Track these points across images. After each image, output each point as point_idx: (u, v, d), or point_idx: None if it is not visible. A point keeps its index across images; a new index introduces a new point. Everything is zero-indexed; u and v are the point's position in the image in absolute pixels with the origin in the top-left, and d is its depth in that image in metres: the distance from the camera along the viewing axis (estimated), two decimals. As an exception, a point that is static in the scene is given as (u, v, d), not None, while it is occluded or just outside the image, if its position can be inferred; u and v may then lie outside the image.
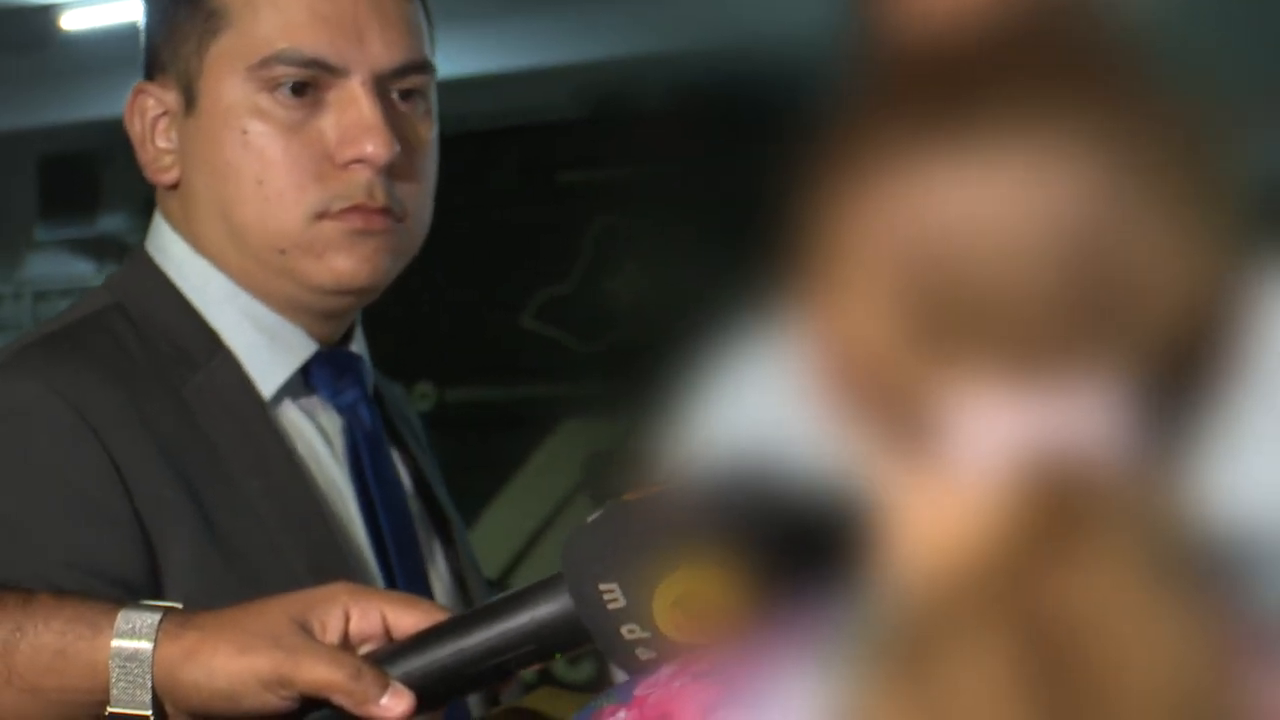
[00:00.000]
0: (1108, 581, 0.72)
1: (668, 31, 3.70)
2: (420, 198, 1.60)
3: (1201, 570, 0.74)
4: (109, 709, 1.28)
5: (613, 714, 0.90)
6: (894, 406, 0.77)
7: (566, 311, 4.09)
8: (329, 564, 1.51)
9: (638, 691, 0.90)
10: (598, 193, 4.09)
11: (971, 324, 0.75)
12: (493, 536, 3.93)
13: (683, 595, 1.17)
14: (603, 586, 1.19)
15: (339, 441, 1.61)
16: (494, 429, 4.12)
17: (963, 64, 0.78)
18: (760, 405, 1.07)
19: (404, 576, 1.58)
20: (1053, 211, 0.75)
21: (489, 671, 1.26)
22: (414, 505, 1.66)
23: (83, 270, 5.35)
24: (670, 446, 1.21)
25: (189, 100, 1.59)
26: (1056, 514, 0.74)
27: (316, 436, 1.60)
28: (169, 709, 1.28)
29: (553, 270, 4.10)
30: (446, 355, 4.15)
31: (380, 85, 1.56)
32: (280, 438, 1.56)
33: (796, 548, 0.95)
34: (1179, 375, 0.76)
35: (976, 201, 0.75)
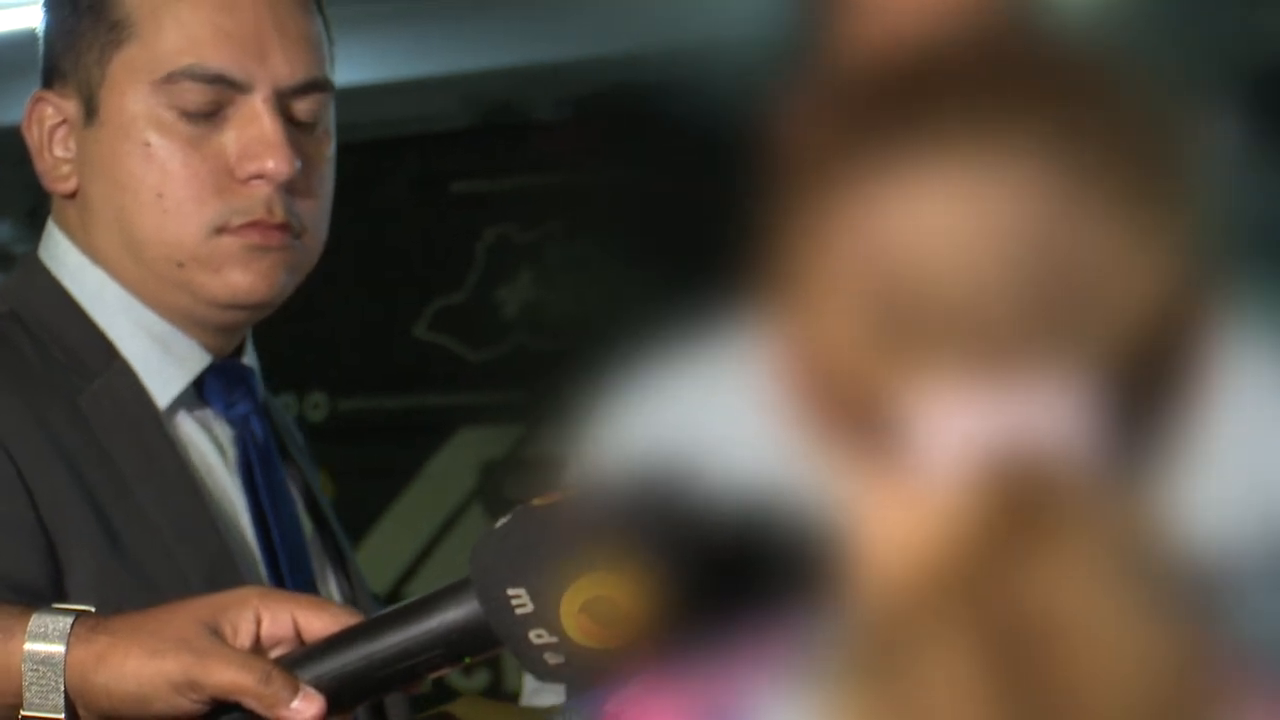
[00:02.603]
0: (1072, 583, 0.73)
1: (559, 41, 3.71)
2: (318, 214, 1.61)
3: (1165, 575, 0.75)
4: (22, 712, 1.29)
5: None
6: (858, 411, 0.78)
7: (460, 321, 4.08)
8: (223, 573, 1.52)
9: (608, 708, 0.91)
10: (490, 202, 4.09)
11: (932, 329, 0.76)
12: (387, 545, 3.92)
13: (590, 600, 1.19)
14: (510, 591, 1.20)
15: (232, 453, 1.61)
16: (387, 438, 4.10)
17: (918, 74, 0.79)
18: (670, 411, 1.09)
19: (294, 586, 1.59)
20: (1010, 217, 0.76)
21: (398, 675, 1.27)
22: (304, 518, 1.67)
23: (-33, 279, 5.29)
24: (574, 453, 1.23)
25: (89, 110, 1.59)
26: (1020, 515, 0.75)
27: (210, 447, 1.60)
28: (81, 712, 1.29)
29: (446, 280, 4.10)
30: (339, 365, 4.14)
31: (281, 102, 1.57)
32: (174, 448, 1.57)
33: (723, 558, 0.96)
34: (1141, 380, 0.77)
35: (935, 209, 0.76)
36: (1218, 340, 0.79)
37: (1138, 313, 0.77)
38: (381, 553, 3.85)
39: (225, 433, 1.62)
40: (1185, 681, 0.73)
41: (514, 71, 3.94)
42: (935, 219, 0.76)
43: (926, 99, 0.78)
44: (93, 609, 1.31)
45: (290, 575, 1.59)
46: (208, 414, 1.61)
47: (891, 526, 0.78)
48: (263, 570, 1.57)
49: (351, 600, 1.68)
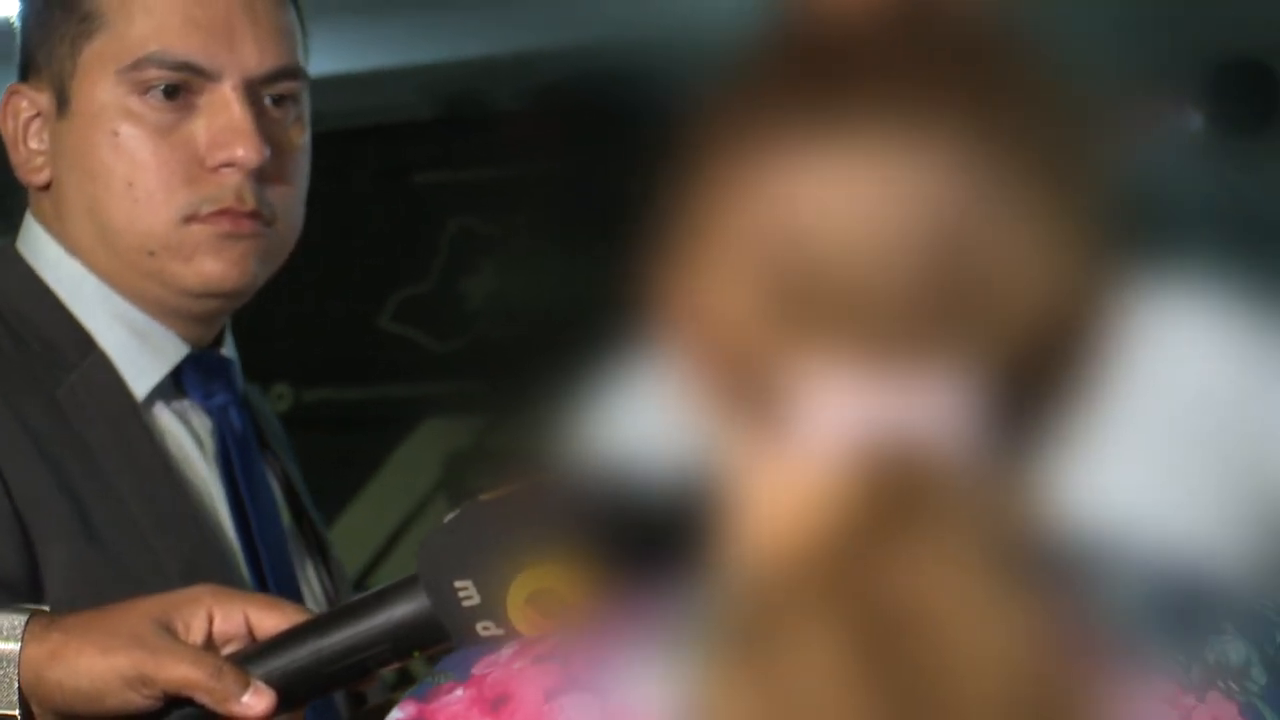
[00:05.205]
0: (942, 571, 0.73)
1: (520, 32, 3.71)
2: (290, 202, 1.61)
3: (1039, 565, 0.75)
4: None
5: (450, 690, 0.90)
6: (747, 386, 0.78)
7: (424, 312, 4.09)
8: (201, 566, 1.53)
9: (475, 670, 0.91)
10: (453, 193, 4.09)
11: (824, 308, 0.76)
12: (352, 537, 3.92)
13: (536, 592, 1.19)
14: (457, 584, 1.21)
15: (210, 444, 1.62)
16: (352, 430, 4.10)
17: (833, 55, 0.78)
18: (622, 402, 1.09)
19: (275, 578, 1.60)
20: (911, 204, 0.75)
21: (348, 670, 1.28)
22: (283, 509, 1.68)
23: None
24: (538, 445, 1.23)
25: (61, 102, 1.60)
26: (893, 503, 0.74)
27: (188, 439, 1.61)
28: (35, 710, 1.29)
29: (410, 271, 4.10)
30: (303, 356, 4.13)
31: (252, 90, 1.58)
32: (153, 439, 1.57)
33: (646, 535, 0.97)
34: (1034, 374, 0.77)
35: (837, 189, 0.76)
36: (1120, 334, 0.79)
37: (1035, 307, 0.76)
38: (347, 544, 3.84)
39: (204, 424, 1.62)
40: (1051, 670, 0.73)
41: (476, 63, 3.94)
42: (836, 198, 0.76)
43: (838, 78, 0.78)
44: (47, 608, 1.32)
45: (269, 566, 1.59)
46: (186, 405, 1.62)
47: (773, 504, 0.78)
48: (242, 561, 1.58)
49: (332, 590, 1.68)
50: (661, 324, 0.81)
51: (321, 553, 1.71)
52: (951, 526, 0.74)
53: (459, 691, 0.90)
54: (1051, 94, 0.79)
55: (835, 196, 0.76)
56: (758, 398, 0.78)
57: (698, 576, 0.80)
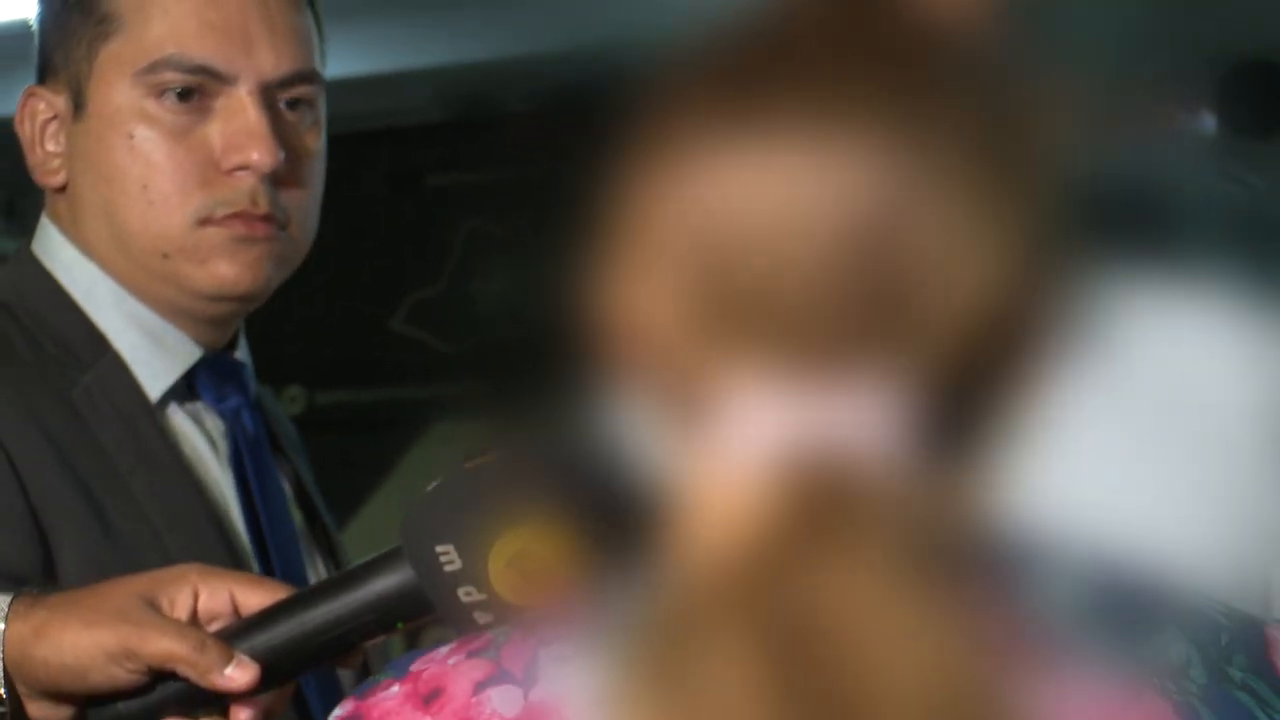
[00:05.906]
0: (861, 581, 0.72)
1: (532, 34, 3.72)
2: (305, 206, 1.62)
3: (966, 574, 0.73)
4: None
5: (387, 687, 0.92)
6: (679, 392, 0.77)
7: (436, 314, 4.09)
8: (213, 563, 1.53)
9: (413, 666, 0.92)
10: (466, 195, 4.09)
11: (750, 312, 0.74)
12: (365, 539, 3.92)
13: (517, 555, 1.19)
14: (439, 548, 1.21)
15: (223, 446, 1.63)
16: (365, 432, 4.10)
17: (758, 52, 0.77)
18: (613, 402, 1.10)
19: (285, 579, 1.60)
20: (839, 206, 0.74)
21: (333, 643, 1.29)
22: (295, 512, 1.68)
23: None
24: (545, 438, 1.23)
25: (78, 104, 1.60)
26: (815, 509, 0.73)
27: (201, 440, 1.62)
28: (20, 688, 1.30)
29: (422, 273, 4.10)
30: (316, 359, 4.14)
31: (267, 94, 1.58)
32: (166, 440, 1.58)
33: (600, 529, 0.98)
34: (969, 378, 0.76)
35: (762, 189, 0.75)
36: (1068, 334, 0.77)
37: (969, 311, 0.75)
38: (359, 546, 3.85)
39: (216, 426, 1.63)
40: (973, 679, 0.72)
41: (488, 65, 3.94)
42: (762, 200, 0.75)
43: (765, 75, 0.76)
44: (35, 589, 1.32)
45: (280, 567, 1.60)
46: (199, 407, 1.63)
47: (703, 510, 0.76)
48: (253, 561, 1.59)
49: None
50: (598, 327, 0.79)
51: (332, 554, 1.71)
52: (874, 536, 0.73)
53: (395, 688, 0.92)
54: (991, 92, 0.77)
55: (761, 198, 0.75)
56: (688, 402, 0.76)
57: (634, 575, 0.80)
